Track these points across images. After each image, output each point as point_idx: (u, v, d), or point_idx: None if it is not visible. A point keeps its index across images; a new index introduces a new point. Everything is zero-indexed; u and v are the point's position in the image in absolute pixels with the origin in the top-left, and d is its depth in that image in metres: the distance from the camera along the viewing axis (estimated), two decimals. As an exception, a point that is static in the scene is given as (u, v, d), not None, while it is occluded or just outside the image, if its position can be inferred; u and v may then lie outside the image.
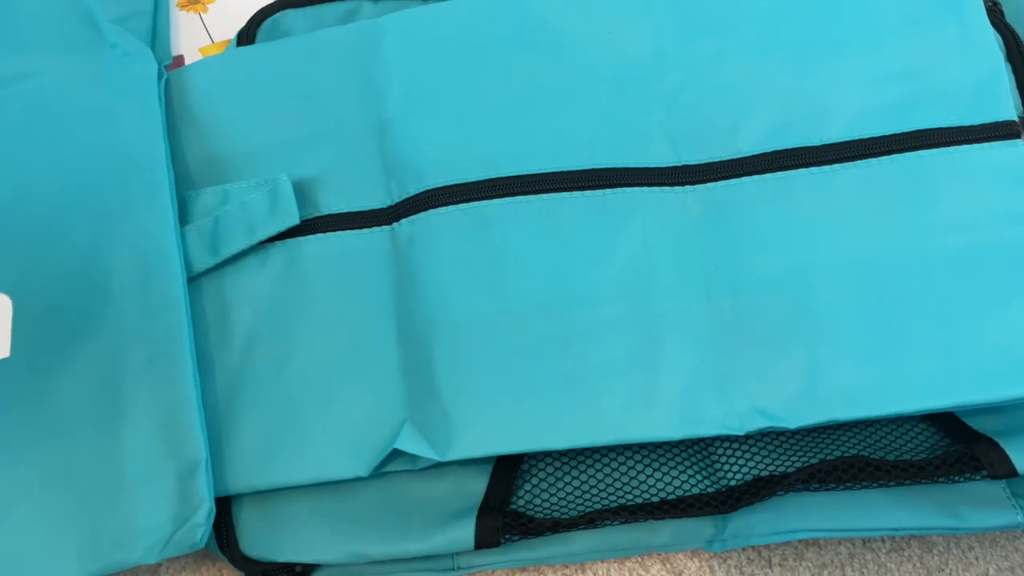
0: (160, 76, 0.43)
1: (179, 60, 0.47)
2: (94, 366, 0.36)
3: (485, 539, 0.35)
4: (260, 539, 0.36)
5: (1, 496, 0.34)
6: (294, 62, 0.43)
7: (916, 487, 0.36)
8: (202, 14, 0.49)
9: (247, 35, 0.45)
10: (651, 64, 0.40)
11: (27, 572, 0.33)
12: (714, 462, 0.37)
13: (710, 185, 0.38)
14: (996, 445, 0.35)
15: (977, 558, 0.39)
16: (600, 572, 0.38)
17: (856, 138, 0.38)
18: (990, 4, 0.42)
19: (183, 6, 0.49)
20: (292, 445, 0.36)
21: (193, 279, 0.39)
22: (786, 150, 0.39)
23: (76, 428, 0.35)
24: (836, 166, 0.38)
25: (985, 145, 0.38)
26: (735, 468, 0.37)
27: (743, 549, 0.39)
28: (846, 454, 0.36)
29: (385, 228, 0.40)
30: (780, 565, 0.39)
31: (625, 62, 0.40)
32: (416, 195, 0.39)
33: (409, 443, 0.35)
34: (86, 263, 0.38)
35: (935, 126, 0.38)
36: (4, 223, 0.40)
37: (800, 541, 0.39)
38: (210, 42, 0.48)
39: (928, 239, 0.36)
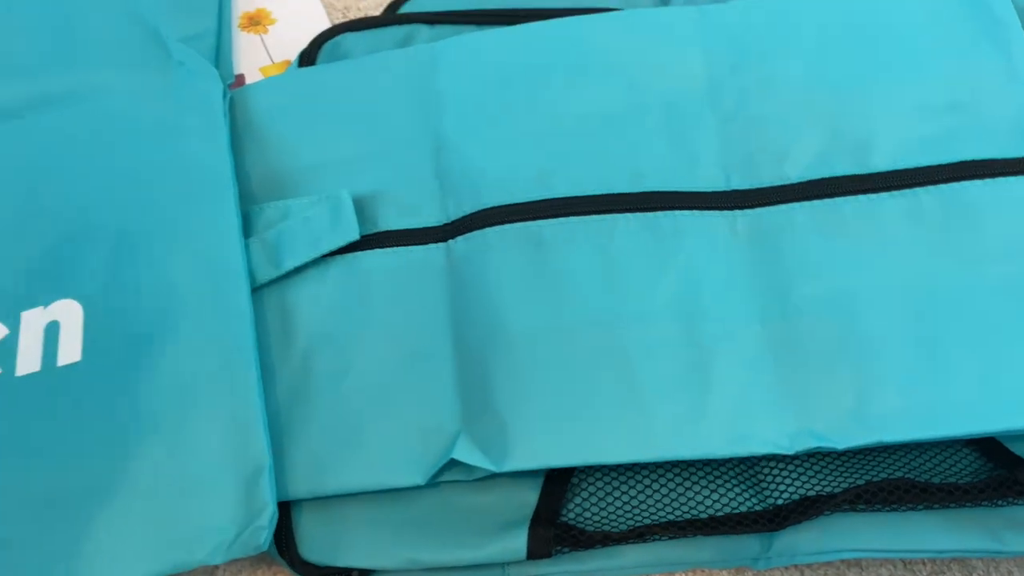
0: (225, 94, 0.44)
1: (240, 79, 0.49)
2: (163, 373, 0.37)
3: (537, 550, 0.36)
4: (319, 543, 0.37)
5: (72, 496, 0.36)
6: (354, 83, 0.45)
7: (960, 510, 0.37)
8: (263, 35, 0.51)
9: (308, 56, 0.47)
10: (702, 92, 0.41)
11: (97, 570, 0.34)
12: (761, 480, 0.38)
13: (759, 210, 0.39)
14: (1039, 470, 0.36)
15: (1017, 582, 0.39)
16: (645, 586, 0.39)
17: (902, 168, 0.39)
18: (1034, 39, 0.43)
19: (245, 27, 0.51)
20: (351, 453, 0.37)
21: (256, 290, 0.40)
22: (833, 178, 0.40)
23: (144, 432, 0.37)
24: (883, 194, 0.39)
25: (1029, 177, 0.39)
26: (782, 487, 0.37)
27: (786, 568, 0.40)
28: (892, 476, 0.37)
29: (441, 245, 0.41)
30: (821, 584, 0.39)
31: (677, 89, 0.42)
32: (472, 213, 0.40)
33: (466, 453, 0.36)
34: (155, 273, 0.40)
35: (980, 157, 0.39)
36: (76, 234, 0.41)
37: (842, 562, 0.40)
38: (270, 62, 0.50)
39: (973, 267, 0.37)
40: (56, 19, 0.46)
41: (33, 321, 0.39)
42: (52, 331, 0.39)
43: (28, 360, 0.39)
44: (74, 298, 0.39)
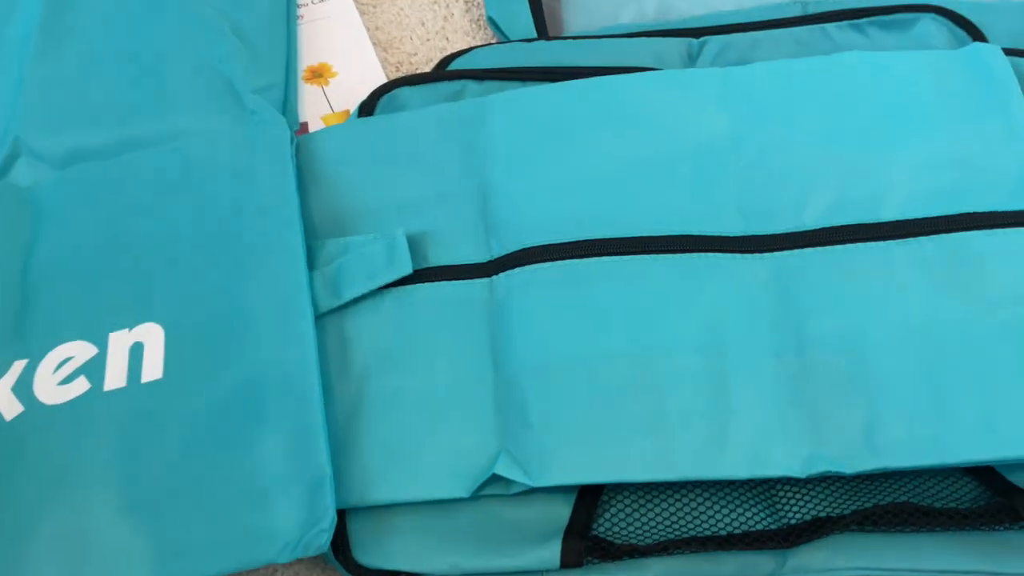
0: (292, 140, 0.49)
1: (304, 126, 0.54)
2: (235, 390, 0.42)
3: (570, 560, 0.39)
4: (371, 548, 0.40)
5: (154, 499, 0.39)
6: (409, 132, 0.49)
7: (960, 534, 0.40)
8: (324, 87, 0.56)
9: (367, 107, 0.52)
10: (726, 145, 0.46)
11: (175, 566, 0.38)
12: (777, 502, 0.41)
13: (776, 254, 0.43)
14: (1035, 499, 0.39)
15: (1018, 606, 0.42)
16: (668, 599, 0.42)
17: (910, 218, 0.43)
18: (1033, 102, 0.47)
19: (308, 80, 0.56)
20: (401, 467, 0.41)
21: (318, 318, 0.44)
22: (846, 226, 0.43)
23: (218, 442, 0.41)
24: (891, 242, 0.43)
25: (1028, 228, 0.42)
26: (796, 508, 0.41)
27: (799, 586, 0.43)
28: (897, 500, 0.40)
29: (485, 280, 0.45)
30: (833, 603, 0.42)
31: (703, 142, 0.46)
32: (513, 252, 0.45)
33: (506, 469, 0.39)
34: (229, 300, 0.44)
35: (982, 210, 0.43)
36: (158, 263, 0.46)
37: (852, 581, 0.43)
38: (331, 111, 0.55)
39: (975, 310, 0.40)
40: (148, 71, 0.52)
41: (120, 342, 0.44)
42: (137, 351, 0.43)
43: (115, 377, 0.43)
44: (157, 322, 0.44)
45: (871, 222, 0.43)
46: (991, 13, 0.54)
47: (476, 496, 0.41)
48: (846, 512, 0.40)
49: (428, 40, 0.59)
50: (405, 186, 0.48)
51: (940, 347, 0.40)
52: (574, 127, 0.47)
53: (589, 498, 0.41)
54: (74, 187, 0.49)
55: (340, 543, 0.41)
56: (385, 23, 0.60)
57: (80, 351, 0.43)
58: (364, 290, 0.45)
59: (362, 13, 0.60)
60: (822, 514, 0.40)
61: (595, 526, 0.41)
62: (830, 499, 0.41)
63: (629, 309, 0.42)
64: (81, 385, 0.43)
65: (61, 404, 0.42)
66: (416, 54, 0.59)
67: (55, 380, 0.43)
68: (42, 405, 0.42)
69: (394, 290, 0.45)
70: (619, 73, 0.49)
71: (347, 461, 0.41)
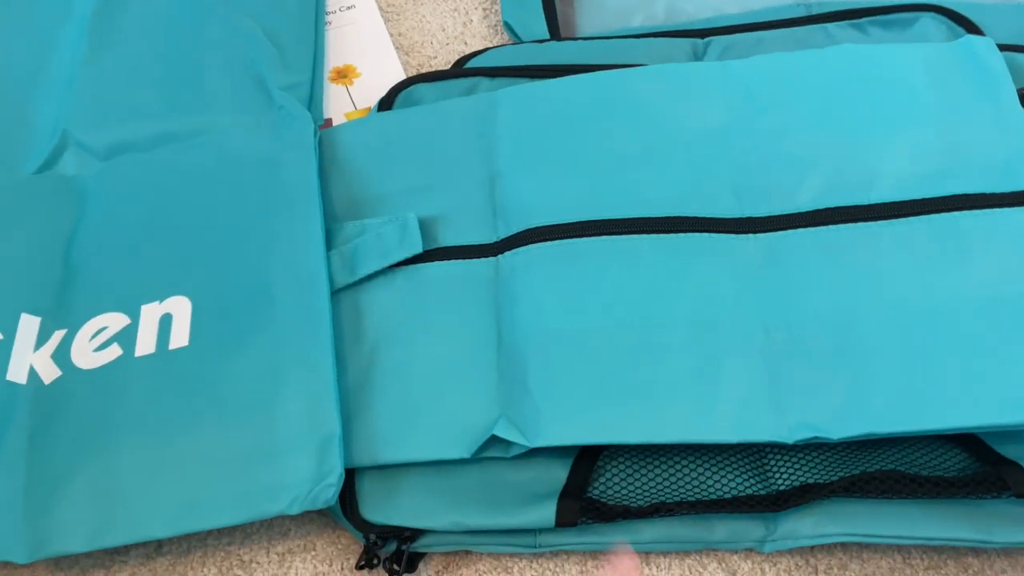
0: (315, 133, 0.52)
1: (328, 122, 0.58)
2: (255, 357, 0.45)
3: (565, 519, 0.41)
4: (377, 505, 0.43)
5: (178, 454, 0.42)
6: (423, 125, 0.52)
7: (949, 503, 0.41)
8: (348, 87, 0.59)
9: (386, 103, 0.55)
10: (722, 133, 0.48)
11: (196, 515, 0.41)
12: (767, 469, 0.43)
13: (769, 234, 0.45)
14: (1021, 469, 0.40)
15: (1010, 579, 0.42)
16: (662, 564, 0.44)
17: (899, 199, 0.45)
18: (1024, 90, 0.49)
19: (333, 80, 0.60)
20: (408, 429, 0.43)
21: (334, 293, 0.47)
22: (838, 207, 0.45)
23: (239, 404, 0.43)
24: (881, 222, 0.44)
25: (1014, 209, 0.43)
26: (785, 474, 0.42)
27: (791, 556, 0.44)
28: (885, 468, 0.41)
29: (491, 259, 0.47)
30: (825, 574, 0.43)
31: (700, 130, 0.48)
32: (519, 232, 0.47)
33: (505, 431, 0.42)
34: (253, 276, 0.47)
35: (969, 192, 0.44)
36: (189, 243, 0.49)
37: (844, 553, 0.44)
38: (354, 108, 0.58)
39: (960, 286, 0.42)
40: (186, 71, 0.56)
41: (150, 313, 0.47)
42: (166, 321, 0.47)
43: (145, 344, 0.46)
44: (185, 295, 0.47)
45: (862, 204, 0.45)
46: (991, 12, 0.56)
47: (478, 458, 0.43)
48: (834, 479, 0.41)
49: (447, 44, 0.63)
50: (419, 173, 0.51)
51: (926, 320, 0.41)
52: (577, 117, 0.49)
53: (585, 462, 0.43)
54: (116, 176, 0.53)
55: (348, 501, 0.43)
56: (407, 29, 0.63)
57: (114, 321, 0.47)
58: (377, 267, 0.47)
59: (386, 20, 0.63)
60: (810, 480, 0.41)
61: (590, 489, 0.43)
62: (819, 466, 0.42)
63: (625, 284, 0.44)
64: (114, 352, 0.46)
65: (95, 369, 0.45)
66: (436, 57, 0.62)
67: (91, 347, 0.46)
68: (78, 370, 0.46)
69: (405, 268, 0.48)
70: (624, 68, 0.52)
71: (357, 423, 0.44)
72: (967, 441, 0.42)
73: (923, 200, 0.44)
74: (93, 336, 0.47)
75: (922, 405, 0.39)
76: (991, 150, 0.45)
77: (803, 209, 0.45)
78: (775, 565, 0.44)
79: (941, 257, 0.43)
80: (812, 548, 0.44)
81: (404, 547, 0.42)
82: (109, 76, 0.56)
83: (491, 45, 0.62)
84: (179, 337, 0.46)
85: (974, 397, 0.39)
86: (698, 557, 0.44)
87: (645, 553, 0.44)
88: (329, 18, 0.63)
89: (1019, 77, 0.51)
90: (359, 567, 0.43)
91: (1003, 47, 0.50)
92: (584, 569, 0.44)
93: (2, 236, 0.51)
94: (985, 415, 0.39)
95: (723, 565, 0.44)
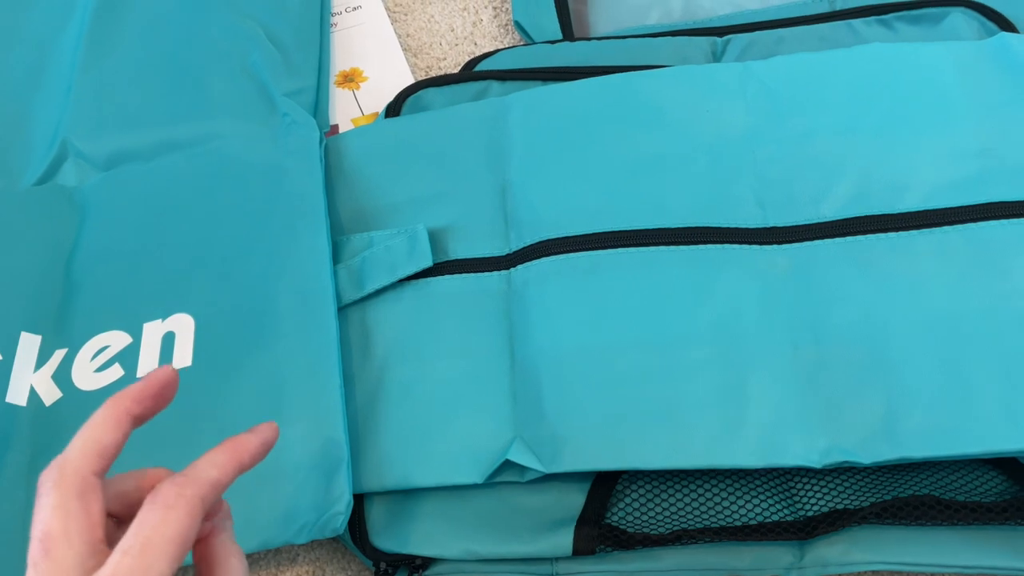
0: (321, 141, 0.51)
1: (335, 128, 0.56)
2: (261, 377, 0.43)
3: (582, 547, 0.39)
4: (387, 533, 0.41)
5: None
6: (432, 132, 0.51)
7: (985, 529, 0.39)
8: (355, 91, 0.57)
9: (394, 108, 0.53)
10: (744, 138, 0.46)
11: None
12: (795, 494, 0.41)
13: (796, 245, 0.43)
14: (1064, 493, 0.38)
15: (1050, 607, 0.40)
16: (684, 591, 0.42)
17: (932, 208, 0.42)
18: (1062, 90, 0.46)
19: (340, 84, 0.58)
20: (419, 453, 0.42)
21: (342, 309, 0.46)
22: (867, 216, 0.43)
23: (242, 427, 0.42)
24: (913, 232, 0.42)
25: (1054, 218, 0.41)
26: (814, 500, 0.40)
27: (819, 581, 0.42)
28: (918, 493, 0.39)
29: (503, 272, 0.46)
30: (855, 600, 0.41)
31: (721, 136, 0.46)
32: (532, 244, 0.45)
33: (520, 455, 0.40)
34: (257, 292, 0.46)
35: (1006, 199, 0.42)
36: (192, 257, 0.48)
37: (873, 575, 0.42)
38: (361, 114, 0.56)
39: (996, 299, 0.40)
40: (187, 78, 0.54)
41: (153, 331, 0.46)
42: (168, 340, 0.45)
43: (147, 364, 0.45)
44: (188, 312, 0.46)
45: (892, 212, 0.43)
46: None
47: (491, 483, 0.41)
48: (865, 504, 0.39)
49: (457, 45, 0.61)
50: (428, 182, 0.49)
51: (962, 337, 0.39)
52: (592, 123, 0.47)
53: (603, 487, 0.41)
54: (116, 187, 0.51)
55: (358, 527, 0.42)
56: (416, 30, 0.61)
57: (116, 340, 0.45)
58: (386, 282, 0.46)
59: (393, 21, 0.61)
60: (840, 506, 0.40)
61: (609, 515, 0.41)
62: (849, 491, 0.40)
63: (644, 299, 0.42)
64: (116, 372, 0.44)
65: (97, 390, 0.44)
66: (445, 59, 0.60)
67: (92, 368, 0.45)
68: (79, 391, 0.44)
69: (415, 282, 0.46)
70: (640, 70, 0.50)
71: (366, 447, 0.42)
72: (1005, 463, 0.40)
73: (958, 208, 0.42)
74: (95, 356, 0.45)
75: (960, 428, 0.37)
76: (1028, 153, 0.43)
77: (831, 218, 0.43)
78: (802, 591, 0.42)
79: (978, 269, 0.41)
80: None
81: (415, 576, 0.41)
82: (109, 83, 0.55)
83: (502, 46, 0.60)
84: (182, 356, 0.44)
85: (1014, 419, 0.37)
86: (722, 583, 0.42)
87: (666, 580, 0.42)
88: (334, 19, 0.61)
89: (1057, 75, 0.49)
90: (369, 596, 0.41)
91: (1039, 43, 0.48)
92: (603, 596, 0.42)
93: (1, 250, 0.49)
94: (1026, 439, 0.37)
95: (748, 592, 0.42)
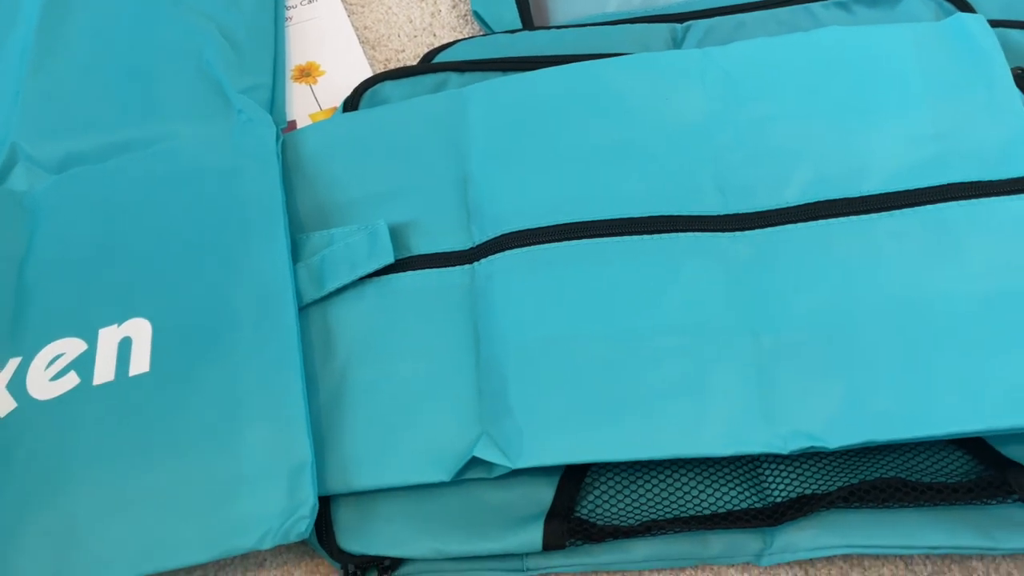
0: (278, 138, 0.50)
1: (292, 124, 0.55)
2: (219, 381, 0.42)
3: (552, 542, 0.39)
4: (355, 534, 0.40)
5: (140, 489, 0.40)
6: (391, 125, 0.50)
7: (952, 509, 0.39)
8: (312, 86, 0.56)
9: (351, 103, 0.52)
10: (704, 126, 0.45)
11: (160, 555, 0.39)
12: (762, 481, 0.41)
13: (757, 232, 0.43)
14: (1027, 471, 0.38)
15: (1016, 583, 0.41)
16: (656, 582, 0.42)
17: (891, 191, 0.42)
18: (1019, 72, 0.46)
19: (296, 79, 0.57)
20: (384, 452, 0.41)
21: (302, 309, 0.45)
22: (827, 201, 0.43)
23: (202, 432, 0.41)
24: (872, 215, 0.42)
25: (1011, 197, 0.41)
26: (781, 486, 0.40)
27: (790, 568, 0.42)
28: (885, 476, 0.39)
29: (466, 267, 0.45)
30: (826, 584, 0.42)
31: (681, 124, 0.46)
32: (495, 238, 0.45)
33: (486, 451, 0.39)
34: (215, 293, 0.45)
35: (964, 180, 0.42)
36: (147, 260, 0.46)
37: (844, 562, 0.42)
38: (319, 109, 0.55)
39: (957, 281, 0.40)
40: (138, 77, 0.53)
41: (109, 337, 0.44)
42: (125, 346, 0.44)
43: (104, 371, 0.43)
44: (144, 317, 0.44)
45: (853, 196, 0.43)
46: (981, -13, 0.54)
47: (459, 480, 0.41)
48: (832, 489, 0.39)
49: (416, 37, 0.60)
50: (388, 177, 0.48)
51: (923, 319, 0.39)
52: (552, 113, 0.47)
53: (572, 480, 0.41)
54: (68, 191, 0.50)
55: (324, 530, 0.41)
56: (373, 22, 0.61)
57: (71, 347, 0.44)
58: (346, 280, 0.45)
59: (350, 13, 0.60)
60: (807, 491, 0.40)
61: (578, 508, 0.41)
62: (816, 476, 0.40)
63: (608, 290, 0.42)
64: (71, 380, 0.43)
65: (52, 399, 0.43)
66: (404, 51, 0.59)
67: (47, 376, 0.44)
68: (34, 401, 0.43)
69: (376, 280, 0.45)
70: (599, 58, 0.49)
71: (330, 448, 0.41)
72: (970, 443, 0.40)
73: (916, 190, 0.42)
74: (49, 364, 0.44)
75: (923, 409, 0.37)
76: (985, 135, 0.43)
77: (791, 204, 0.43)
78: (773, 577, 0.42)
79: (937, 251, 0.41)
80: (811, 559, 0.42)
81: (384, 577, 0.40)
82: (58, 85, 0.53)
83: (461, 36, 0.59)
84: (139, 363, 0.43)
85: (977, 399, 0.37)
86: (693, 573, 0.42)
87: (638, 572, 0.42)
88: (290, 13, 0.60)
89: (1013, 55, 0.49)
90: (338, 598, 0.41)
91: (995, 23, 0.48)
92: (575, 590, 0.42)
93: (-48, 259, 0.48)
94: (989, 419, 0.37)
95: (719, 579, 0.42)
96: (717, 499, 0.40)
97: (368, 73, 0.57)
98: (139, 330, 0.44)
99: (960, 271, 0.40)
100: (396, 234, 0.46)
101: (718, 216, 0.43)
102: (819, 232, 0.42)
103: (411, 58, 0.59)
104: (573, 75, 0.48)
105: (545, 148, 0.46)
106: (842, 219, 0.42)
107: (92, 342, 0.44)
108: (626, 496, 0.41)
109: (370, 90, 0.53)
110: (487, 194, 0.46)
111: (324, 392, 0.43)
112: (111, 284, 0.46)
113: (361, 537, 0.40)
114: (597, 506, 0.41)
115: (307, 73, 0.57)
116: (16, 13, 0.57)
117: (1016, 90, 0.44)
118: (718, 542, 0.40)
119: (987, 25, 0.46)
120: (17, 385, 0.44)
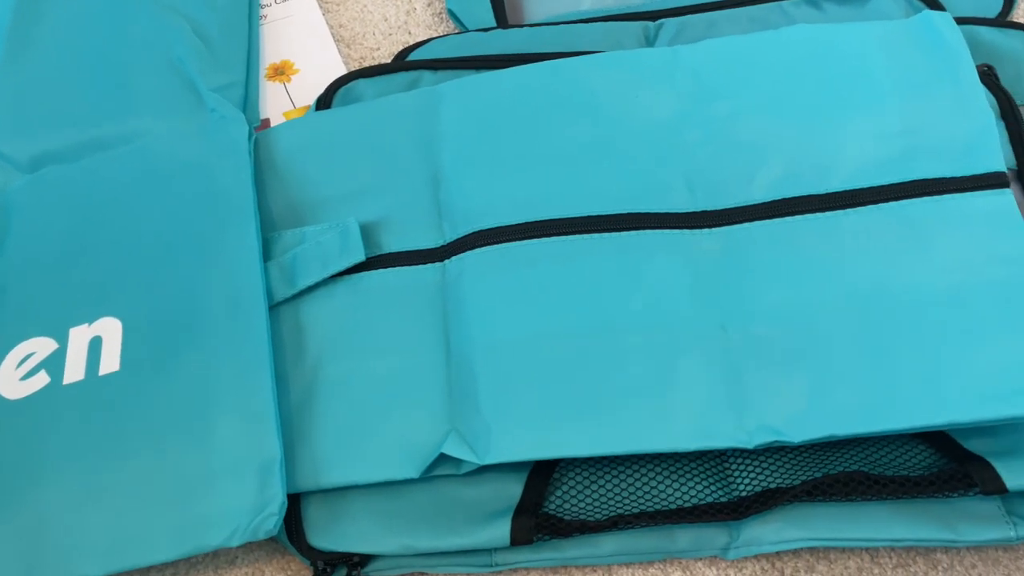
0: (250, 136, 0.50)
1: (266, 122, 0.55)
2: (189, 379, 0.42)
3: (520, 537, 0.39)
4: (324, 531, 0.41)
5: (109, 487, 0.40)
6: (363, 123, 0.50)
7: (915, 502, 0.39)
8: (286, 84, 0.57)
9: (324, 101, 0.52)
10: (674, 123, 0.46)
11: (130, 552, 0.39)
12: (727, 475, 0.41)
13: (725, 228, 0.43)
14: (988, 464, 0.38)
15: (980, 575, 0.41)
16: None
17: (857, 187, 0.43)
18: (985, 69, 0.47)
19: (270, 77, 0.57)
20: (354, 450, 0.41)
21: (273, 307, 0.45)
22: (794, 198, 0.43)
23: (172, 430, 0.41)
24: (838, 212, 0.43)
25: (976, 193, 0.42)
26: (746, 480, 0.40)
27: (756, 560, 0.42)
28: (848, 470, 0.40)
29: (437, 264, 0.45)
30: (793, 577, 0.42)
31: (651, 121, 0.46)
32: (466, 235, 0.45)
33: (454, 448, 0.40)
34: (185, 292, 0.45)
35: (929, 176, 0.42)
36: (119, 259, 0.46)
37: (811, 555, 0.42)
38: (292, 107, 0.55)
39: (922, 277, 0.40)
40: (111, 75, 0.53)
41: (79, 336, 0.44)
42: (95, 345, 0.44)
43: (74, 371, 0.44)
44: (115, 316, 0.45)
45: (820, 193, 0.43)
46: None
47: (429, 477, 0.41)
48: (796, 483, 0.40)
49: (390, 35, 0.60)
50: (360, 175, 0.48)
51: (886, 314, 0.40)
52: (523, 110, 0.47)
53: (541, 476, 0.41)
54: (40, 190, 0.50)
55: (294, 527, 0.41)
56: (348, 20, 0.61)
57: (41, 347, 0.44)
58: (317, 278, 0.45)
59: (325, 11, 0.60)
60: (772, 485, 0.40)
61: (546, 503, 0.41)
62: (781, 470, 0.40)
63: (576, 288, 0.42)
64: (41, 379, 0.43)
65: (22, 399, 0.43)
66: (379, 49, 0.59)
67: (17, 376, 0.44)
68: (5, 400, 0.43)
69: (347, 277, 0.45)
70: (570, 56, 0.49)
71: (300, 446, 0.42)
72: (933, 437, 0.40)
73: (882, 187, 0.43)
74: (20, 363, 0.44)
75: (885, 404, 0.38)
76: (951, 132, 0.43)
77: (759, 200, 0.44)
78: (740, 571, 0.42)
79: (901, 247, 0.41)
80: (778, 552, 0.42)
81: (354, 573, 0.40)
82: (30, 83, 0.53)
83: (436, 34, 0.59)
84: (109, 361, 0.43)
85: (939, 394, 0.38)
86: (662, 566, 0.42)
87: (607, 566, 0.42)
88: (264, 11, 0.60)
89: (979, 52, 0.49)
90: (308, 595, 0.41)
91: (961, 20, 0.48)
92: (544, 584, 0.42)
93: (-78, 258, 0.48)
94: (951, 413, 0.37)
95: (687, 573, 0.42)
96: (683, 493, 0.40)
97: (343, 71, 0.57)
98: (109, 329, 0.44)
99: (924, 267, 0.40)
100: (367, 232, 0.46)
101: (687, 213, 0.44)
102: (786, 228, 0.43)
103: (386, 56, 0.59)
104: (544, 73, 0.48)
105: (516, 146, 0.46)
106: (809, 216, 0.43)
107: (63, 341, 0.45)
108: (593, 491, 0.41)
109: (343, 88, 0.53)
110: (458, 191, 0.46)
111: (295, 390, 0.43)
112: (82, 283, 0.46)
113: (331, 534, 0.41)
114: (565, 501, 0.41)
115: (281, 71, 0.57)
116: (-13, 11, 0.56)
117: (981, 87, 0.44)
118: (685, 536, 0.41)
119: (953, 23, 0.46)
120: (-12, 385, 0.44)
